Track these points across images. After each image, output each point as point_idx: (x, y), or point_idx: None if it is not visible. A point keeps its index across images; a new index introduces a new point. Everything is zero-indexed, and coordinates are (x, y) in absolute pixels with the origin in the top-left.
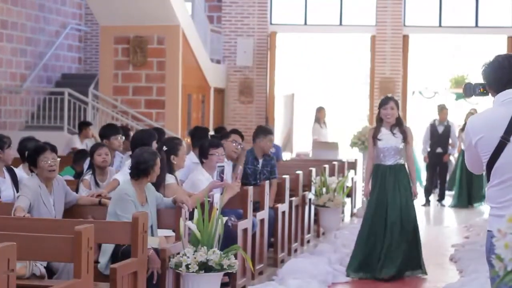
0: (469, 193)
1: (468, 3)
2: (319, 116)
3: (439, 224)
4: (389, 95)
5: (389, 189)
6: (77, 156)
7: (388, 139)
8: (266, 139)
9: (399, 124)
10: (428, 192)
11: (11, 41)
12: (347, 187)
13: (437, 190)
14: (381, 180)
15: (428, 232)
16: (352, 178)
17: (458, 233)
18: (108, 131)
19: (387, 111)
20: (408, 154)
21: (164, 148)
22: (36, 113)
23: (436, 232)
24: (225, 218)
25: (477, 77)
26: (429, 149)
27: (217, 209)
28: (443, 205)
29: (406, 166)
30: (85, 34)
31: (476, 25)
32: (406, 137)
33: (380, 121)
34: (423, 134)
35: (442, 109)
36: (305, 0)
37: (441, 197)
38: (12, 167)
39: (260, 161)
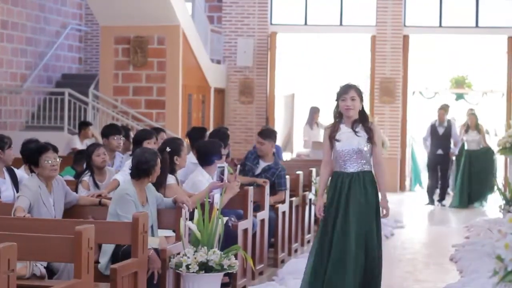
0: (469, 193)
1: (468, 3)
2: (314, 117)
3: (440, 224)
4: (350, 82)
5: (351, 204)
6: (78, 157)
7: (349, 139)
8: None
9: (363, 120)
10: (431, 191)
11: (11, 41)
12: None
13: (437, 190)
14: (341, 193)
15: (429, 232)
16: None
17: (458, 233)
18: (108, 130)
19: (346, 102)
20: (376, 158)
21: (168, 149)
22: (37, 113)
23: (436, 232)
24: (225, 218)
25: (477, 77)
26: (428, 148)
27: (217, 209)
28: (443, 205)
29: (374, 173)
30: (85, 34)
31: (477, 25)
32: (372, 136)
33: (339, 116)
34: (424, 134)
35: (438, 110)
36: (306, 1)
37: (441, 197)
38: (12, 167)
39: (262, 164)
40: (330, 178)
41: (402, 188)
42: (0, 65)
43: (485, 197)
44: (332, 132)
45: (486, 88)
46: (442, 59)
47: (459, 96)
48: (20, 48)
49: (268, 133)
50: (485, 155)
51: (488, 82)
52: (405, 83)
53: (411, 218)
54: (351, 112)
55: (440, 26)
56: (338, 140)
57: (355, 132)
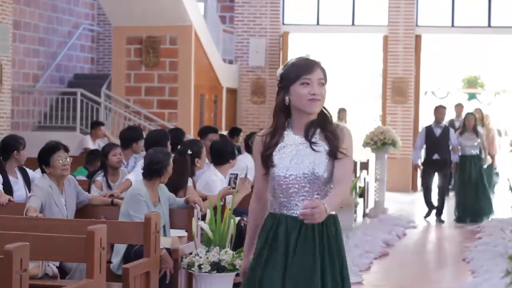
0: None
1: (480, 3)
2: (341, 117)
3: (452, 225)
4: (308, 55)
5: (302, 269)
6: (90, 157)
7: (298, 156)
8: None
9: (323, 123)
10: (427, 198)
11: (24, 41)
12: (359, 187)
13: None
14: (283, 250)
15: (441, 233)
16: (365, 179)
17: (471, 234)
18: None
19: (313, 87)
20: (338, 172)
21: (189, 151)
22: (49, 113)
23: (449, 232)
24: (237, 218)
25: (489, 77)
26: (423, 156)
27: (230, 209)
28: (441, 221)
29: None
30: (97, 34)
31: (489, 25)
32: (335, 148)
33: (283, 115)
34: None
35: (437, 109)
36: (318, 0)
37: (439, 212)
38: (24, 167)
39: None
40: (263, 223)
41: (414, 188)
42: (13, 65)
43: (481, 216)
44: (269, 147)
45: (499, 88)
46: (455, 59)
47: (472, 96)
48: (33, 48)
49: None
50: (476, 163)
51: (501, 82)
52: (418, 83)
53: (423, 218)
54: (318, 105)
55: (453, 26)
56: (274, 165)
57: (311, 144)
